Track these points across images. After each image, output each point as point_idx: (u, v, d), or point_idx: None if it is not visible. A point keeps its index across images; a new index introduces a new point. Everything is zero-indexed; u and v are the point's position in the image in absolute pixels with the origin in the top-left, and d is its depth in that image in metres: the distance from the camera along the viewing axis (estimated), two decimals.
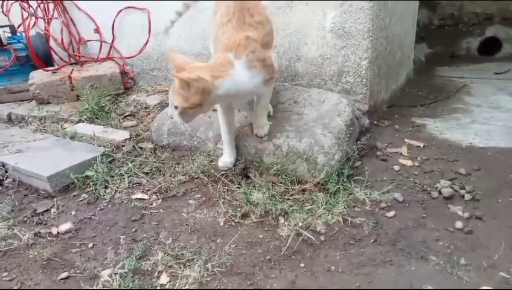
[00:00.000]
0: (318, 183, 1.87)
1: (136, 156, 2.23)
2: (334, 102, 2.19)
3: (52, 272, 1.53)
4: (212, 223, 1.74)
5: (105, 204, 1.92)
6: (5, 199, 1.98)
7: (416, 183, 1.89)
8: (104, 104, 2.80)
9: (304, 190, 1.86)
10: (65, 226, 1.76)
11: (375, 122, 2.46)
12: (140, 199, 1.93)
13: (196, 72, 1.64)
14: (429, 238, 1.59)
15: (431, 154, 2.10)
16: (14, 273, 1.53)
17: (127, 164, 2.14)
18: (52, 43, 3.24)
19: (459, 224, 1.64)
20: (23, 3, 3.07)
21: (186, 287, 1.41)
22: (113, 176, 2.06)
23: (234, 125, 2.07)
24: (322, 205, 1.75)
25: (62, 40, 3.21)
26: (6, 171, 2.14)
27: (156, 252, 1.59)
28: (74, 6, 3.24)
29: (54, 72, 3.02)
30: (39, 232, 1.75)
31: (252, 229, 1.69)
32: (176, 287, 1.42)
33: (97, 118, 2.69)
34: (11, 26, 3.16)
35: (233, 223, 1.73)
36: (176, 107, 1.69)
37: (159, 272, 1.49)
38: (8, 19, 3.25)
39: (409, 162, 2.04)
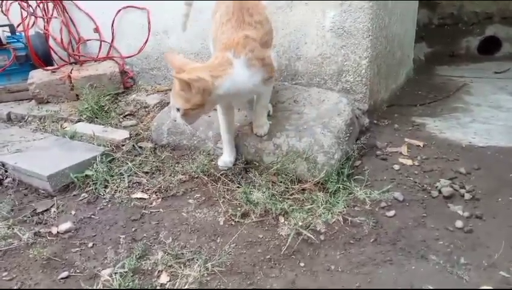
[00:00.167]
0: (318, 182, 1.88)
1: (135, 156, 2.23)
2: (333, 101, 2.19)
3: (52, 272, 1.53)
4: (212, 223, 1.74)
5: (105, 203, 1.91)
6: (5, 198, 1.98)
7: (416, 182, 1.89)
8: (103, 104, 2.79)
9: (303, 189, 1.86)
10: (65, 226, 1.76)
11: (375, 121, 2.46)
12: (140, 198, 1.93)
13: (196, 72, 1.64)
14: (429, 237, 1.59)
15: (431, 154, 2.10)
16: (14, 273, 1.53)
17: (127, 164, 2.13)
18: (51, 43, 3.23)
19: (459, 223, 1.64)
20: (23, 2, 3.07)
21: (186, 287, 1.41)
22: (113, 176, 2.06)
23: (234, 125, 2.07)
24: (322, 205, 1.75)
25: (61, 39, 3.21)
26: (6, 171, 2.14)
27: (156, 251, 1.59)
28: (74, 5, 3.23)
29: (54, 72, 3.01)
30: (39, 232, 1.74)
31: (252, 229, 1.69)
32: (175, 287, 1.42)
33: (97, 118, 2.69)
34: (11, 26, 3.16)
35: (233, 223, 1.73)
36: (178, 110, 1.69)
37: (159, 272, 1.49)
38: (8, 18, 3.25)
39: (408, 162, 2.04)
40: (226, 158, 2.02)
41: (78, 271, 1.53)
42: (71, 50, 3.27)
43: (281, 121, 2.10)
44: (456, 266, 1.44)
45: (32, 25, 3.15)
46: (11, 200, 1.97)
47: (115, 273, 1.47)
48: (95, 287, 1.43)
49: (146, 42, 3.03)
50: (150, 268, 1.51)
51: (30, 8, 3.11)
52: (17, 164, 2.11)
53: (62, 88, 2.94)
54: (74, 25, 3.29)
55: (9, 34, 3.13)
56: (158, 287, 1.43)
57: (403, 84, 3.14)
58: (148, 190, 1.98)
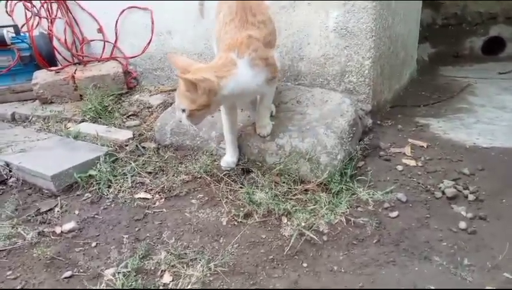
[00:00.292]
0: (321, 183, 1.87)
1: (139, 156, 2.24)
2: (337, 102, 2.19)
3: (56, 271, 1.54)
4: (215, 223, 1.74)
5: (109, 203, 1.92)
6: (9, 198, 1.99)
7: (419, 183, 1.89)
8: (107, 104, 2.80)
9: (306, 190, 1.86)
10: (69, 225, 1.77)
11: (378, 122, 2.45)
12: (144, 198, 1.94)
13: (201, 73, 1.65)
14: (432, 238, 1.59)
15: (434, 154, 2.09)
16: (18, 272, 1.54)
17: (130, 164, 2.14)
18: (55, 43, 3.24)
19: (462, 224, 1.63)
20: (27, 3, 3.08)
21: (189, 287, 1.41)
22: (116, 176, 2.07)
23: (237, 125, 2.07)
24: (324, 205, 1.75)
25: (65, 40, 3.22)
26: (10, 171, 2.15)
27: (159, 251, 1.59)
28: (77, 6, 3.24)
29: (58, 72, 3.02)
30: (43, 231, 1.75)
31: (254, 229, 1.69)
32: (178, 287, 1.42)
33: (100, 118, 2.70)
34: (15, 26, 3.17)
35: (236, 223, 1.73)
36: (183, 110, 1.69)
37: (162, 272, 1.49)
38: (12, 19, 3.26)
39: (412, 162, 2.04)
40: (228, 158, 2.02)
41: (81, 271, 1.53)
42: (75, 50, 3.28)
43: (283, 121, 2.10)
44: (459, 267, 1.44)
45: (37, 25, 3.17)
46: (15, 199, 1.98)
47: (118, 272, 1.47)
48: (98, 287, 1.44)
49: (149, 42, 3.04)
50: (153, 268, 1.51)
51: (34, 8, 3.12)
52: (21, 163, 2.12)
53: (66, 88, 2.95)
54: (78, 26, 3.30)
55: (13, 35, 3.14)
56: (161, 287, 1.43)
57: (406, 84, 3.13)
58: (151, 190, 1.99)
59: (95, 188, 2.01)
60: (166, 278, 1.46)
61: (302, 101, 2.23)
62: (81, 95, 2.96)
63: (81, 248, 1.65)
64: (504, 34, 4.21)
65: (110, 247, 1.64)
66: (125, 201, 1.92)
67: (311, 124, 2.06)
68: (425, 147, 2.17)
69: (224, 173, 2.00)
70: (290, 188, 1.87)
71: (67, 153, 2.23)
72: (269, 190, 1.84)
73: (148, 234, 1.70)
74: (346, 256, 1.54)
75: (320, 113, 2.12)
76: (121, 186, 2.00)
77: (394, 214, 1.72)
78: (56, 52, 3.26)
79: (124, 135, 2.43)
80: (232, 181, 1.96)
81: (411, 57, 3.26)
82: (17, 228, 1.76)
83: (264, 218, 1.74)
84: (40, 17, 3.17)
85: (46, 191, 2.03)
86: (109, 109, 2.78)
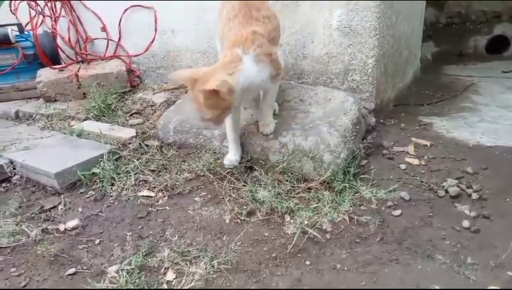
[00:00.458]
0: (324, 181, 1.87)
1: (142, 154, 2.24)
2: (340, 100, 2.19)
3: (60, 268, 1.54)
4: (218, 221, 1.75)
5: (112, 201, 1.93)
6: (13, 195, 2.00)
7: (422, 182, 1.89)
8: (110, 102, 2.81)
9: (309, 188, 1.86)
10: (72, 223, 1.78)
11: (382, 120, 2.45)
12: (147, 196, 1.94)
13: (216, 77, 1.62)
14: (436, 237, 1.58)
15: (438, 153, 2.09)
16: (22, 269, 1.55)
17: (134, 162, 2.15)
18: (59, 42, 3.26)
19: (466, 223, 1.63)
20: (31, 2, 3.10)
21: (192, 284, 1.42)
22: (119, 173, 2.08)
23: (240, 123, 2.07)
24: (328, 203, 1.75)
25: (69, 38, 3.23)
26: (14, 168, 2.16)
27: (162, 249, 1.59)
28: (81, 4, 3.26)
29: (61, 70, 3.03)
30: (46, 229, 1.76)
31: (257, 227, 1.69)
32: (182, 284, 1.42)
33: (104, 116, 2.70)
34: (19, 25, 3.19)
35: (239, 221, 1.73)
36: (208, 119, 1.70)
37: (165, 269, 1.50)
38: (16, 17, 3.28)
39: (415, 161, 2.04)
40: (231, 157, 2.02)
41: (85, 268, 1.54)
42: (78, 49, 3.30)
43: (287, 119, 2.10)
44: (462, 266, 1.43)
45: (41, 24, 3.18)
46: (19, 197, 1.99)
47: (122, 270, 1.48)
48: (101, 284, 1.44)
49: (153, 41, 3.05)
50: (156, 265, 1.52)
51: (38, 7, 3.13)
52: (25, 161, 2.13)
53: (69, 86, 2.96)
54: (81, 24, 3.32)
55: (17, 33, 3.16)
56: (164, 284, 1.44)
57: (409, 83, 3.13)
58: (154, 187, 1.99)
59: (98, 185, 2.02)
60: (170, 276, 1.47)
61: (306, 99, 2.23)
62: (84, 93, 2.97)
63: (84, 245, 1.66)
64: (508, 33, 4.20)
65: (113, 244, 1.65)
66: (128, 199, 1.93)
67: (314, 122, 2.06)
68: (429, 145, 2.16)
69: (227, 171, 2.00)
70: (293, 186, 1.88)
71: (71, 151, 2.24)
72: (272, 188, 1.84)
73: (151, 232, 1.71)
74: (349, 254, 1.54)
75: (323, 111, 2.12)
76: (124, 184, 2.01)
77: (397, 212, 1.72)
78: (60, 50, 3.27)
79: (127, 133, 2.44)
80: (235, 179, 1.96)
81: (414, 56, 3.25)
82: (21, 225, 1.77)
83: (267, 216, 1.74)
84: (44, 16, 3.18)
85: (49, 189, 2.04)
86: (112, 107, 2.79)
